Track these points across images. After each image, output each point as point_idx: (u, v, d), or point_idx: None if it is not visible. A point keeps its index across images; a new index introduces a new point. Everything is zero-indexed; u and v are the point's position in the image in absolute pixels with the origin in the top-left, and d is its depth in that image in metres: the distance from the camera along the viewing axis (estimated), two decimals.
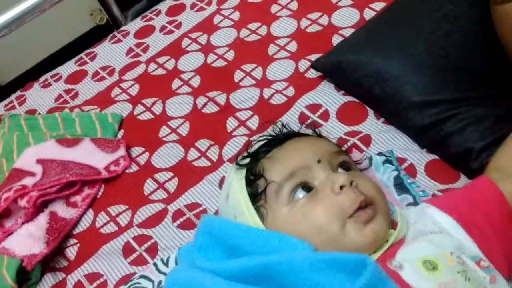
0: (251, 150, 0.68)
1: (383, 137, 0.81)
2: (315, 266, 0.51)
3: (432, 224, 0.60)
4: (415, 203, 0.71)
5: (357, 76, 0.83)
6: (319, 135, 0.71)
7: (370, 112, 0.85)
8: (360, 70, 0.82)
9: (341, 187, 0.57)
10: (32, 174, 0.86)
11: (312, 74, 0.93)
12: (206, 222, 0.64)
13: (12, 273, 0.74)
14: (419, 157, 0.77)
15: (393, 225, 0.60)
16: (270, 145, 0.66)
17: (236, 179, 0.66)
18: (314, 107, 0.87)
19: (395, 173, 0.76)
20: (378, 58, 0.82)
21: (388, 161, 0.77)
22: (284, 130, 0.71)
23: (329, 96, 0.88)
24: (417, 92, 0.77)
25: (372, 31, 0.87)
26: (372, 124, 0.83)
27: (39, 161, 0.88)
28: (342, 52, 0.87)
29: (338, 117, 0.85)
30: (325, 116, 0.86)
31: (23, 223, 0.80)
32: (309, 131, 0.72)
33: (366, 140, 0.80)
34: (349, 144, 0.80)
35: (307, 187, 0.60)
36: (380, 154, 0.78)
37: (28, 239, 0.77)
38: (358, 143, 0.80)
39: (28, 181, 0.84)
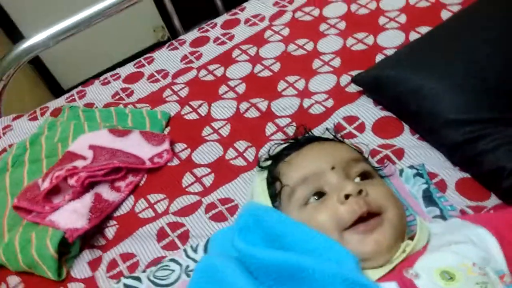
0: (273, 153, 0.72)
1: (417, 152, 0.82)
2: (350, 286, 0.51)
3: (461, 235, 0.60)
4: (442, 216, 0.72)
5: (396, 91, 0.85)
6: (341, 141, 0.73)
7: (406, 127, 0.87)
8: (400, 85, 0.85)
9: (347, 196, 0.59)
10: (84, 158, 0.93)
11: (352, 89, 0.96)
12: (252, 206, 0.65)
13: (55, 243, 0.80)
14: (450, 173, 0.78)
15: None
16: (290, 149, 0.70)
17: (258, 180, 0.70)
18: (350, 119, 0.90)
19: (425, 186, 0.77)
20: (418, 75, 0.84)
21: (419, 174, 0.78)
22: (307, 134, 0.75)
23: (367, 110, 0.90)
24: (453, 110, 0.79)
25: (414, 50, 0.90)
26: (406, 139, 0.85)
27: (91, 147, 0.95)
28: (383, 67, 0.90)
29: (374, 130, 0.87)
30: (361, 128, 0.88)
31: (69, 200, 0.87)
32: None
33: (399, 153, 0.82)
34: (381, 155, 0.82)
35: (319, 194, 0.62)
36: (411, 167, 0.80)
37: (72, 214, 0.83)
38: (391, 155, 0.82)
39: (79, 163, 0.91)
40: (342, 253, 0.55)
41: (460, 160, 0.79)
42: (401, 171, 0.79)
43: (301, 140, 0.72)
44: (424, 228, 0.62)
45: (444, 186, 0.76)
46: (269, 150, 0.73)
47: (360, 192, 0.60)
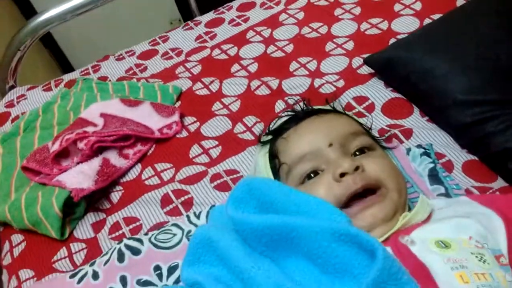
0: (272, 127, 0.72)
1: (425, 133, 0.82)
2: (340, 238, 0.50)
3: (464, 211, 0.60)
4: (447, 195, 0.71)
5: (407, 71, 0.85)
6: (340, 112, 0.72)
7: (416, 110, 0.86)
8: (411, 66, 0.85)
9: (343, 174, 0.58)
10: (94, 125, 0.95)
11: (364, 71, 0.96)
12: (247, 179, 0.63)
13: (60, 202, 0.81)
14: (458, 155, 0.77)
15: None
16: (288, 123, 0.70)
17: (261, 154, 0.71)
18: (360, 99, 0.90)
19: (431, 165, 0.76)
20: (430, 56, 0.84)
21: (426, 154, 0.78)
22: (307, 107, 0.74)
23: (377, 91, 0.90)
24: (463, 91, 0.78)
25: (426, 33, 0.90)
26: (416, 120, 0.85)
27: (102, 115, 0.97)
28: (395, 49, 0.90)
29: (383, 110, 0.87)
30: (371, 108, 0.88)
31: (78, 163, 0.88)
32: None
33: (407, 133, 0.82)
34: (389, 133, 0.82)
35: (315, 172, 0.62)
36: (419, 146, 0.79)
37: (79, 175, 0.84)
38: (399, 134, 0.82)
39: (89, 129, 0.92)
40: (334, 212, 0.55)
41: (467, 141, 0.78)
42: (408, 150, 0.79)
43: (299, 114, 0.71)
44: (425, 203, 0.61)
45: (451, 166, 0.76)
46: (269, 124, 0.73)
47: (356, 168, 0.59)
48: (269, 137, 0.71)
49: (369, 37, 1.03)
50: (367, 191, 0.59)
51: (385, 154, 0.68)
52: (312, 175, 0.62)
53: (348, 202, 0.59)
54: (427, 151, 0.78)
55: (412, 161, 0.78)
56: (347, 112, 0.74)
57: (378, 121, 0.86)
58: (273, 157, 0.67)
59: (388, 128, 0.83)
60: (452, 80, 0.80)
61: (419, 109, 0.86)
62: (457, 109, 0.78)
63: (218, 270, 0.57)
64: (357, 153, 0.64)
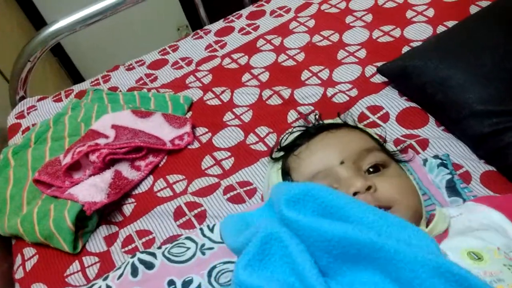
0: (284, 143, 0.72)
1: (441, 143, 0.80)
2: (445, 275, 0.44)
3: (480, 221, 0.59)
4: None
5: (422, 81, 0.84)
6: (353, 126, 0.71)
7: (431, 119, 0.85)
8: (426, 75, 0.84)
9: (355, 194, 0.57)
10: (106, 136, 0.94)
11: (378, 79, 0.95)
12: (297, 184, 0.54)
13: (72, 215, 0.80)
14: (475, 166, 0.76)
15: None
16: (300, 139, 0.68)
17: (273, 171, 0.70)
18: (375, 109, 0.89)
19: (449, 176, 0.75)
20: (445, 65, 0.82)
21: (443, 165, 0.77)
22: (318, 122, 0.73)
23: (392, 100, 0.89)
24: (480, 101, 0.77)
25: (441, 41, 0.88)
26: (431, 130, 0.83)
27: (113, 126, 0.96)
28: (409, 57, 0.89)
29: (398, 120, 0.86)
30: (385, 118, 0.87)
31: (90, 176, 0.88)
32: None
33: (423, 143, 0.81)
34: (405, 144, 0.81)
35: None
36: (436, 157, 0.78)
37: (91, 188, 0.84)
38: (415, 145, 0.80)
39: (101, 141, 0.92)
40: (417, 233, 0.48)
41: (485, 152, 0.77)
42: (425, 160, 0.78)
43: (311, 130, 0.70)
44: (443, 215, 0.60)
45: (468, 177, 0.75)
46: (280, 140, 0.72)
47: (368, 188, 0.58)
48: (281, 153, 0.70)
49: (381, 44, 1.02)
50: None
51: (400, 170, 0.67)
52: None
53: None
54: (444, 161, 0.77)
55: (429, 172, 0.77)
56: (359, 126, 0.73)
57: (393, 131, 0.85)
58: (286, 174, 0.67)
59: (404, 139, 0.82)
60: (469, 90, 0.79)
61: (434, 118, 0.85)
62: (475, 120, 0.77)
63: (288, 279, 0.49)
64: (371, 169, 0.62)
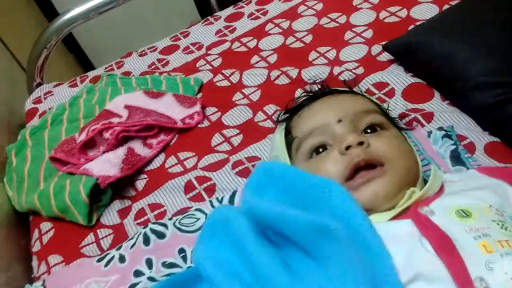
0: (290, 107, 0.74)
1: (446, 116, 0.81)
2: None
3: (478, 182, 0.60)
4: None
5: (427, 56, 0.85)
6: (356, 92, 0.73)
7: (436, 94, 0.86)
8: (431, 50, 0.85)
9: (348, 147, 0.59)
10: (119, 116, 0.97)
11: (384, 57, 0.96)
12: (264, 164, 0.63)
13: (87, 189, 0.83)
14: (480, 137, 0.77)
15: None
16: (305, 102, 0.71)
17: (278, 131, 0.72)
18: (380, 85, 0.90)
19: (453, 147, 0.76)
20: (449, 40, 0.84)
21: (447, 136, 0.78)
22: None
23: (397, 76, 0.91)
24: (484, 73, 0.78)
25: (445, 17, 0.90)
26: (436, 104, 0.84)
27: (126, 107, 0.99)
28: (415, 34, 0.90)
29: (404, 95, 0.87)
30: (391, 93, 0.88)
31: (104, 152, 0.91)
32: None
33: (428, 116, 0.82)
34: (409, 117, 0.82)
35: (323, 147, 0.63)
36: (440, 129, 0.79)
37: (105, 163, 0.87)
38: (420, 118, 0.82)
39: (114, 120, 0.95)
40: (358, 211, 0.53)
41: (489, 123, 0.78)
42: (429, 133, 0.79)
43: (317, 94, 0.72)
44: (437, 175, 0.61)
45: (473, 148, 0.76)
46: (287, 104, 0.75)
47: (361, 143, 0.59)
48: (286, 115, 0.73)
49: (388, 25, 1.04)
50: (369, 167, 0.59)
51: (399, 135, 0.68)
52: (320, 149, 0.63)
53: (352, 176, 0.59)
54: (448, 133, 0.78)
55: (433, 143, 0.78)
56: (365, 94, 0.74)
57: (398, 106, 0.86)
58: (288, 133, 0.69)
59: (409, 113, 0.83)
60: (473, 62, 0.80)
61: (440, 93, 0.86)
62: (479, 91, 0.78)
63: (231, 255, 0.56)
64: (369, 130, 0.64)
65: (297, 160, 0.66)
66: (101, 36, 2.22)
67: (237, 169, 0.85)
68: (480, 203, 0.54)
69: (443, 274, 0.47)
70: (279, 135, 0.72)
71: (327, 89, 0.74)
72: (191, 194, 0.84)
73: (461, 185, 0.61)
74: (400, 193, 0.58)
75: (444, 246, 0.49)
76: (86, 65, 2.32)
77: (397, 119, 0.74)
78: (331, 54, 1.02)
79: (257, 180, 0.61)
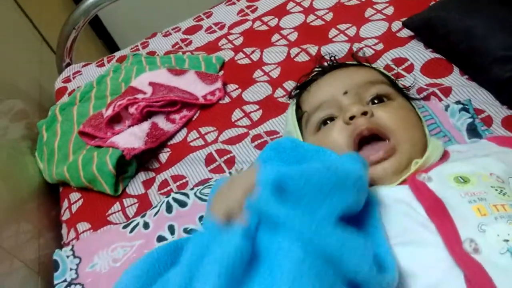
0: (300, 83, 0.77)
1: (464, 90, 0.82)
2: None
3: (484, 150, 0.61)
4: None
5: (446, 31, 0.85)
6: (363, 64, 0.75)
7: (455, 69, 0.86)
8: (450, 25, 0.85)
9: (352, 118, 0.60)
10: (144, 92, 1.01)
11: (404, 34, 0.97)
12: (276, 141, 0.65)
13: (113, 160, 0.87)
14: (497, 110, 0.77)
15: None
16: (314, 77, 0.73)
17: (290, 107, 0.75)
18: (399, 61, 0.91)
19: (470, 120, 0.77)
20: (469, 15, 0.84)
21: (464, 109, 0.78)
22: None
23: (417, 52, 0.91)
24: (503, 48, 0.78)
25: None
26: (455, 79, 0.85)
27: (150, 83, 1.02)
28: (434, 10, 0.90)
29: (422, 71, 0.88)
30: (410, 69, 0.89)
31: (129, 126, 0.94)
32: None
33: (446, 91, 0.82)
34: (428, 91, 0.83)
35: (331, 119, 0.65)
36: (458, 102, 0.80)
37: (130, 136, 0.90)
38: (438, 92, 0.82)
39: (139, 96, 0.98)
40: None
41: (508, 97, 0.78)
42: (447, 106, 0.79)
43: (325, 68, 0.74)
44: (437, 145, 0.62)
45: (490, 121, 0.76)
46: (298, 80, 0.77)
47: (364, 113, 0.61)
48: (297, 91, 0.75)
49: (409, 1, 1.03)
50: (374, 137, 0.61)
51: (406, 105, 0.69)
52: (328, 121, 0.65)
53: (357, 147, 0.61)
54: (466, 106, 0.78)
55: (450, 116, 0.78)
56: (372, 66, 0.75)
57: (417, 81, 0.86)
58: (298, 108, 0.72)
59: (427, 87, 0.84)
60: (492, 37, 0.80)
61: (458, 68, 0.86)
62: (497, 65, 0.78)
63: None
64: (376, 101, 0.65)
65: (307, 134, 0.68)
66: (127, 18, 2.25)
67: (256, 143, 0.88)
68: (481, 170, 0.54)
69: (434, 237, 0.48)
70: (290, 111, 0.74)
71: (335, 64, 0.75)
72: (211, 166, 0.87)
73: (466, 154, 0.62)
74: (408, 166, 0.59)
75: (436, 210, 0.50)
76: (113, 48, 2.37)
77: (407, 90, 0.74)
78: (351, 31, 1.03)
79: (264, 154, 0.64)
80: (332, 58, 0.79)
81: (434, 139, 0.64)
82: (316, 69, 0.76)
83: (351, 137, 0.60)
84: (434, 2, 0.99)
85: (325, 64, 0.78)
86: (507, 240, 0.45)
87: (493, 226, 0.46)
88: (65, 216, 0.91)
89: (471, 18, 0.83)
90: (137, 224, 0.80)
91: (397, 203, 0.53)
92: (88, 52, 2.08)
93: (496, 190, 0.51)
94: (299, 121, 0.71)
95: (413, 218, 0.51)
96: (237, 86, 1.02)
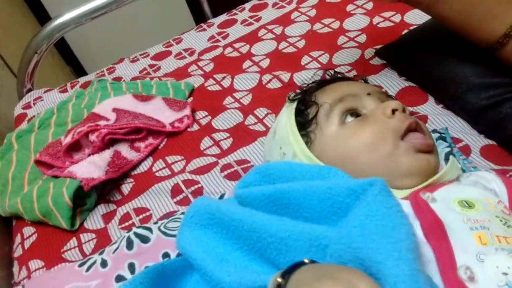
0: (305, 88, 0.72)
1: (441, 119, 0.79)
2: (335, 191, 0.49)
3: (487, 183, 0.58)
4: None
5: (419, 59, 0.84)
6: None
7: (430, 98, 0.84)
8: (423, 53, 0.84)
9: (393, 112, 0.58)
10: (107, 119, 0.95)
11: (377, 61, 0.95)
12: (261, 166, 0.61)
13: (70, 191, 0.80)
14: (475, 139, 0.75)
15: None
16: (324, 82, 0.70)
17: (285, 113, 0.69)
18: None
19: (448, 149, 0.74)
20: (440, 42, 0.82)
21: (441, 138, 0.75)
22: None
23: (391, 80, 0.89)
24: (477, 75, 0.76)
25: (437, 21, 0.88)
26: (431, 107, 0.83)
27: (114, 110, 0.97)
28: (406, 39, 0.89)
29: (397, 98, 0.85)
30: None
31: (89, 155, 0.88)
32: None
33: (422, 119, 0.80)
34: None
35: (356, 114, 0.61)
36: (434, 131, 0.77)
37: (90, 165, 0.84)
38: None
39: (101, 123, 0.93)
40: (338, 172, 0.54)
41: (485, 125, 0.76)
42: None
43: (333, 77, 0.73)
44: (455, 165, 0.60)
45: (468, 151, 0.74)
46: (300, 88, 0.74)
47: (404, 110, 0.59)
48: (298, 96, 0.70)
49: (382, 29, 1.02)
50: None
51: None
52: (354, 116, 0.61)
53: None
54: (443, 135, 0.76)
55: None
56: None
57: None
58: (308, 105, 0.65)
59: None
60: (465, 64, 0.78)
61: (433, 97, 0.84)
62: (472, 93, 0.76)
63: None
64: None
65: (328, 126, 0.62)
66: (97, 45, 2.21)
67: (225, 172, 0.83)
68: (489, 197, 0.52)
69: (429, 258, 0.45)
70: (286, 115, 0.68)
71: (342, 76, 0.74)
72: (178, 198, 0.81)
73: (475, 178, 0.59)
74: (435, 171, 0.58)
75: (434, 230, 0.47)
76: (82, 75, 2.31)
77: None
78: (324, 59, 1.01)
79: (248, 177, 0.60)
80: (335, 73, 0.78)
81: (453, 158, 0.61)
82: (319, 80, 0.73)
83: (401, 127, 0.57)
84: (406, 30, 0.99)
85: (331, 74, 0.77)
86: (506, 274, 0.41)
87: (492, 257, 0.43)
88: (17, 252, 0.83)
89: (443, 45, 0.82)
90: (94, 262, 0.73)
91: None
92: (56, 79, 2.02)
93: (501, 220, 0.48)
94: (302, 124, 0.65)
95: None
96: (206, 113, 0.98)
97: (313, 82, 0.73)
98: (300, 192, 0.51)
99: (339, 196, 0.48)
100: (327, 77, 0.75)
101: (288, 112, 0.68)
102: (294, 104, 0.68)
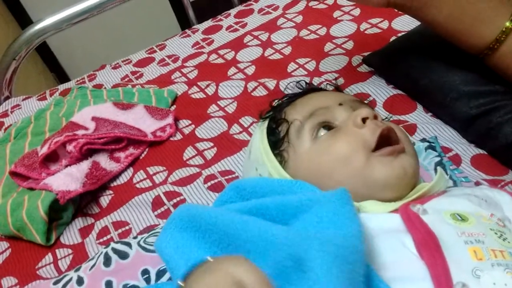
0: (275, 103, 0.69)
1: (430, 128, 0.77)
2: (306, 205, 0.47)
3: (486, 194, 0.55)
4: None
5: (407, 67, 0.82)
6: (343, 92, 0.71)
7: (419, 106, 0.82)
8: (410, 61, 0.82)
9: (364, 120, 0.55)
10: (85, 128, 0.91)
11: (364, 69, 0.93)
12: (235, 182, 0.59)
13: (45, 205, 0.77)
14: (465, 149, 0.73)
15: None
16: (294, 97, 0.67)
17: (258, 132, 0.66)
18: (361, 96, 0.86)
19: (437, 159, 0.72)
20: (428, 49, 0.80)
21: (431, 147, 0.73)
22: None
23: (378, 87, 0.87)
24: (466, 83, 0.74)
25: (425, 28, 0.86)
26: (419, 116, 0.80)
27: (93, 118, 0.93)
28: (393, 46, 0.87)
29: (385, 106, 0.83)
30: (372, 104, 0.84)
31: (66, 166, 0.85)
32: None
33: (411, 128, 0.78)
34: None
35: (328, 127, 0.58)
36: (423, 140, 0.75)
37: (66, 177, 0.80)
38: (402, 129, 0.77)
39: (80, 132, 0.89)
40: (309, 187, 0.52)
41: (475, 134, 0.74)
42: (413, 144, 0.74)
43: (304, 90, 0.68)
44: (444, 177, 0.56)
45: (458, 160, 0.71)
46: (270, 103, 0.70)
47: (375, 117, 0.56)
48: (270, 113, 0.67)
49: (369, 36, 1.00)
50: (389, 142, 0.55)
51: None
52: (326, 129, 0.58)
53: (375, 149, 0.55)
54: (432, 144, 0.74)
55: None
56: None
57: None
58: (279, 123, 0.62)
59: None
60: (454, 72, 0.76)
61: (422, 105, 0.82)
62: (461, 102, 0.74)
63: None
64: None
65: (300, 144, 0.59)
66: (81, 51, 2.17)
67: (209, 183, 0.80)
68: (482, 211, 0.49)
69: (423, 275, 0.42)
70: (259, 136, 0.65)
71: (315, 86, 0.71)
72: (159, 211, 0.78)
73: (466, 189, 0.56)
74: (414, 179, 0.54)
75: (428, 245, 0.44)
76: (65, 80, 2.27)
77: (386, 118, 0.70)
78: (311, 66, 0.98)
79: (224, 195, 0.57)
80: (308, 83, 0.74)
81: (441, 170, 0.58)
82: (290, 94, 0.70)
83: (373, 135, 0.54)
84: (394, 37, 0.97)
85: (302, 87, 0.72)
86: None
87: (489, 273, 0.41)
88: None
89: (431, 52, 0.80)
90: (70, 279, 0.69)
91: (385, 234, 0.46)
92: (39, 86, 1.97)
93: (496, 233, 0.46)
94: (277, 141, 0.62)
95: (402, 251, 0.44)
96: (190, 122, 0.95)
97: (283, 97, 0.70)
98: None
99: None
100: (301, 89, 0.72)
101: (260, 131, 0.65)
102: (266, 123, 0.65)
